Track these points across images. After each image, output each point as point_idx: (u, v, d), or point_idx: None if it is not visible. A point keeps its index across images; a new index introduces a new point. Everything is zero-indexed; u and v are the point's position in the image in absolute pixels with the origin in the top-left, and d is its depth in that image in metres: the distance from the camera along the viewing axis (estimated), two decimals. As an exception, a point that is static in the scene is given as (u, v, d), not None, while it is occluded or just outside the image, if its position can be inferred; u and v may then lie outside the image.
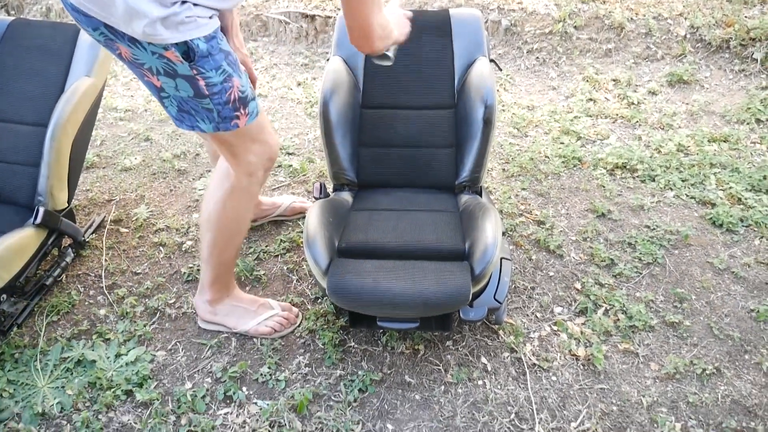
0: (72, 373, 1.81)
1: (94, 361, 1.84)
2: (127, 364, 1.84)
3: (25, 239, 1.93)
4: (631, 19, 4.01)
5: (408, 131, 2.09)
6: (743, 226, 2.47)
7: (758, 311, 2.04)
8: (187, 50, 1.35)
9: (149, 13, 1.27)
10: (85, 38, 2.13)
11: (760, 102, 3.41)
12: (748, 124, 3.28)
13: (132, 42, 1.35)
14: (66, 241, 2.23)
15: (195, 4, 1.33)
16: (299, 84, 3.86)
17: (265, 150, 1.69)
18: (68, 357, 1.86)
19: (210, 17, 1.39)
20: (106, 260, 2.27)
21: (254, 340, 1.93)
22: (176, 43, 1.33)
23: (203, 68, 1.39)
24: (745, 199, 2.60)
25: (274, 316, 1.94)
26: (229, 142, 1.62)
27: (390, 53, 1.66)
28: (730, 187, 2.68)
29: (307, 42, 4.33)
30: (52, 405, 1.71)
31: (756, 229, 2.44)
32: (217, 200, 1.74)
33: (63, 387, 1.77)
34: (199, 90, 1.43)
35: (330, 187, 2.12)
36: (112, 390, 1.75)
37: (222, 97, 1.46)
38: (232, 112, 1.51)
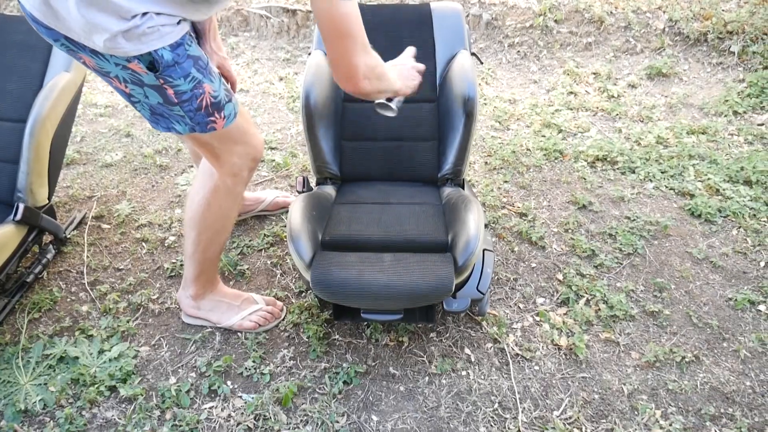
0: (54, 370, 1.80)
1: (76, 358, 1.83)
2: (110, 360, 1.83)
3: (4, 236, 1.91)
4: (611, 12, 4.05)
5: (390, 125, 2.09)
6: (721, 216, 2.51)
7: (736, 300, 2.08)
8: (152, 61, 1.31)
9: (109, 27, 1.24)
10: (63, 33, 2.11)
11: (738, 94, 3.47)
12: (725, 116, 3.32)
13: (94, 53, 1.32)
14: (47, 238, 2.21)
15: (158, 13, 1.29)
16: (281, 79, 3.85)
17: (248, 151, 1.67)
18: (50, 354, 1.84)
19: (177, 23, 1.34)
20: (87, 257, 2.26)
21: (238, 334, 1.93)
22: (140, 55, 1.30)
23: (170, 77, 1.36)
24: (723, 190, 2.64)
25: (258, 310, 1.94)
26: (209, 144, 1.60)
27: (393, 104, 1.62)
28: (709, 179, 2.72)
29: (289, 37, 4.32)
30: (35, 402, 1.70)
31: (733, 219, 2.48)
32: (200, 200, 1.72)
33: (45, 384, 1.75)
34: (168, 98, 1.41)
35: (313, 182, 2.13)
36: (96, 386, 1.74)
37: (192, 104, 1.43)
38: (205, 117, 1.48)
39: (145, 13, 1.26)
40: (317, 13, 1.30)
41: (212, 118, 1.49)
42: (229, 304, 1.94)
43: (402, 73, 1.63)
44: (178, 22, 1.34)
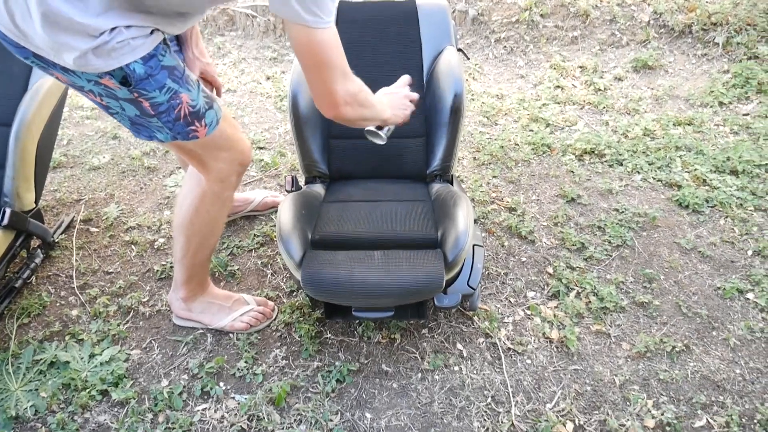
0: (45, 375, 1.79)
1: (67, 362, 1.82)
2: (101, 363, 1.82)
3: (-8, 241, 1.90)
4: (596, 6, 4.06)
5: (378, 122, 2.09)
6: (708, 206, 2.52)
7: (724, 289, 2.09)
8: (124, 75, 1.28)
9: (77, 46, 1.20)
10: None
11: (723, 85, 3.49)
12: (711, 107, 3.35)
13: (65, 70, 1.29)
14: (35, 242, 2.19)
15: (128, 26, 1.24)
16: (268, 78, 3.84)
17: (234, 157, 1.64)
18: (41, 359, 1.83)
19: (150, 33, 1.29)
20: (76, 260, 2.24)
21: (230, 335, 1.93)
22: (111, 70, 1.26)
23: (144, 90, 1.33)
24: (710, 180, 2.66)
25: (250, 311, 1.94)
26: (194, 152, 1.57)
27: (383, 132, 1.61)
28: (695, 169, 2.74)
29: (275, 35, 4.31)
30: (26, 408, 1.69)
31: (721, 209, 2.50)
32: (188, 206, 1.70)
33: (36, 389, 1.74)
34: (145, 110, 1.37)
35: (302, 180, 2.12)
36: (87, 390, 1.73)
37: (170, 114, 1.40)
38: (185, 127, 1.44)
39: (113, 28, 1.22)
40: (292, 41, 1.27)
41: (192, 127, 1.46)
42: (220, 306, 1.93)
43: (393, 102, 1.61)
44: (151, 32, 1.30)
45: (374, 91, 2.09)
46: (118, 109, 1.39)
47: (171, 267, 2.19)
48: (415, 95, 1.70)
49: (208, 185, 1.66)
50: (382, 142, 1.64)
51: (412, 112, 1.68)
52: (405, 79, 1.73)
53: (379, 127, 1.61)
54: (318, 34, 1.23)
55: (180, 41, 1.75)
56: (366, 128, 1.59)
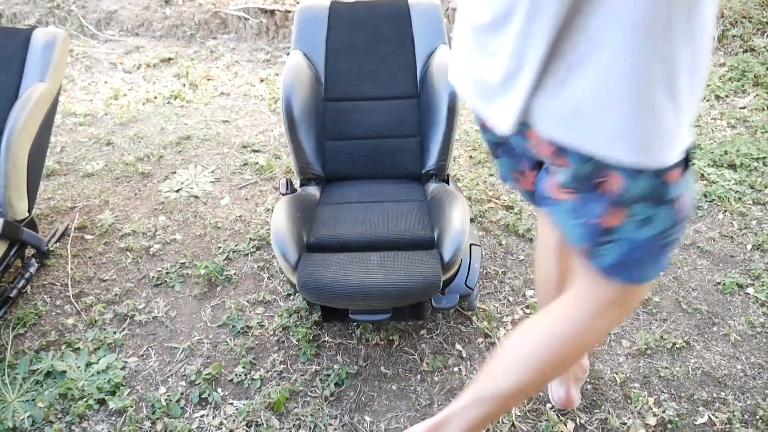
0: (42, 386, 1.78)
1: (64, 372, 1.80)
2: (98, 372, 1.81)
3: (-15, 251, 1.88)
4: (590, 1, 4.05)
5: (372, 122, 2.08)
6: (707, 201, 2.51)
7: (724, 284, 2.08)
8: (686, 157, 0.92)
9: (661, 132, 0.86)
10: (37, 43, 2.08)
11: (719, 78, 3.48)
12: (708, 101, 3.33)
13: (627, 173, 0.90)
14: (29, 252, 2.18)
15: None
16: (262, 80, 3.82)
17: (624, 315, 1.25)
18: (37, 369, 1.82)
19: None
20: (71, 268, 2.23)
21: (228, 340, 1.91)
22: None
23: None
24: (708, 174, 2.65)
25: None
26: (614, 297, 1.11)
27: None
28: (693, 164, 2.72)
29: (268, 38, 4.29)
30: (23, 419, 1.68)
31: (719, 203, 2.49)
32: (564, 343, 1.19)
33: (33, 400, 1.73)
34: (680, 214, 0.97)
35: (297, 183, 2.11)
36: (84, 400, 1.72)
37: (681, 213, 0.98)
38: (679, 230, 1.01)
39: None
40: None
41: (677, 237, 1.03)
42: None
43: None
44: None
45: (365, 93, 2.09)
46: (631, 229, 0.97)
47: (167, 273, 2.17)
48: None
49: (599, 322, 1.17)
50: None
51: None
52: None
53: None
54: None
55: None
56: None
